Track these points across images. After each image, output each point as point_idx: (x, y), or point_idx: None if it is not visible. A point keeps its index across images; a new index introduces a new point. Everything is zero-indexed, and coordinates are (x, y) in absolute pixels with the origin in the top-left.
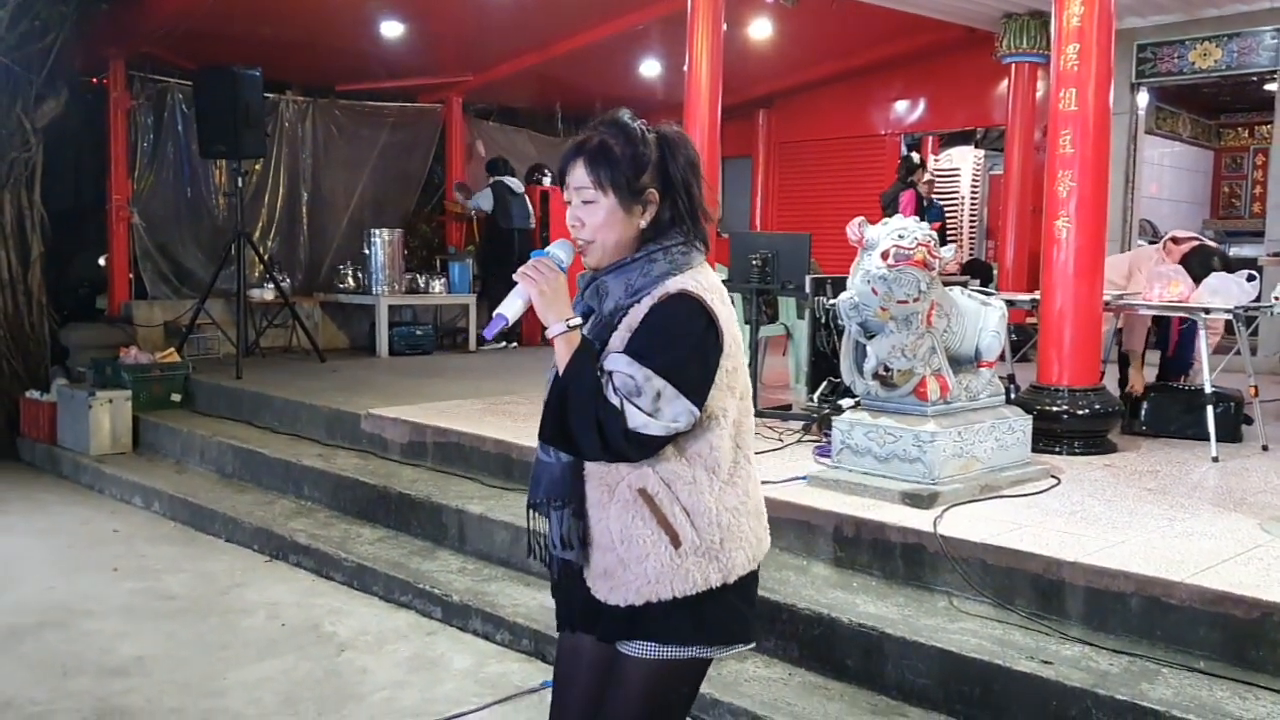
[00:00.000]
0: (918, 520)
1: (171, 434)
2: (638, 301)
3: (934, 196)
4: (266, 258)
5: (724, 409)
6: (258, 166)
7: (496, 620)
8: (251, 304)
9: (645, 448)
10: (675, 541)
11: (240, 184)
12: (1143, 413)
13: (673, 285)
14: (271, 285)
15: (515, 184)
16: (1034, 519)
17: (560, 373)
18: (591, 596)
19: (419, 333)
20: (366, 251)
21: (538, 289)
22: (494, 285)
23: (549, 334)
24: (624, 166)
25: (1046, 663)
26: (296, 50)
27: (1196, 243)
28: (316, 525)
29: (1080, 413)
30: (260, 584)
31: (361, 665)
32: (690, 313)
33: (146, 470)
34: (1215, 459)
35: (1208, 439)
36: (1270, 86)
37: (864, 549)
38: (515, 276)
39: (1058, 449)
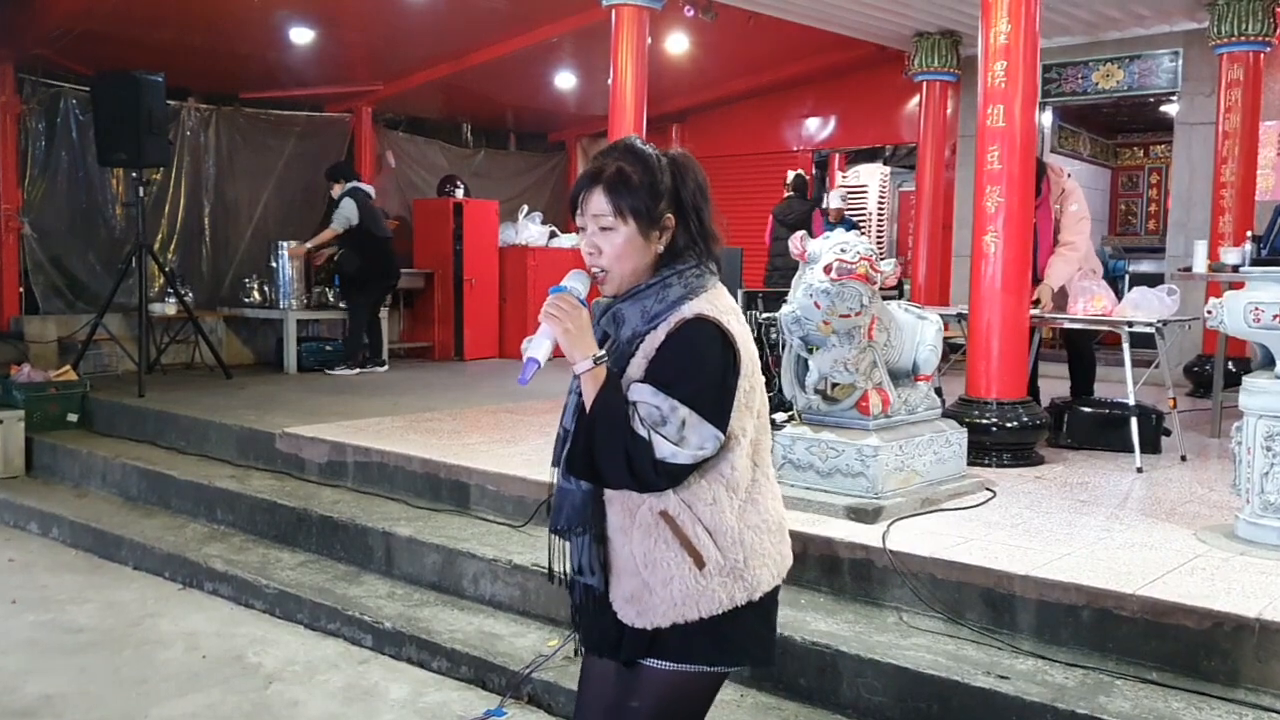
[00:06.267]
0: (864, 535)
1: (69, 456)
2: (654, 328)
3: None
4: (168, 270)
5: (743, 428)
6: (157, 176)
7: (432, 647)
8: (152, 319)
9: (674, 477)
10: (699, 562)
11: (141, 194)
12: (1065, 425)
13: (689, 310)
14: (174, 299)
15: (369, 189)
16: (977, 532)
17: (588, 408)
18: (615, 622)
19: (328, 348)
20: (274, 264)
21: (562, 327)
22: (362, 301)
23: (576, 370)
24: (643, 194)
25: (1003, 677)
26: (199, 56)
27: None
28: (233, 550)
29: (1009, 425)
30: (175, 613)
31: (292, 698)
32: (708, 337)
33: (43, 494)
34: (1140, 470)
35: (1130, 450)
36: (1166, 108)
37: (811, 565)
38: (540, 316)
39: (987, 461)
